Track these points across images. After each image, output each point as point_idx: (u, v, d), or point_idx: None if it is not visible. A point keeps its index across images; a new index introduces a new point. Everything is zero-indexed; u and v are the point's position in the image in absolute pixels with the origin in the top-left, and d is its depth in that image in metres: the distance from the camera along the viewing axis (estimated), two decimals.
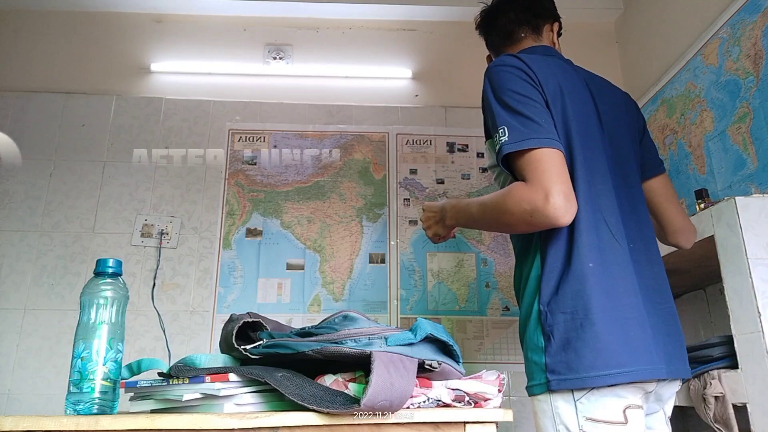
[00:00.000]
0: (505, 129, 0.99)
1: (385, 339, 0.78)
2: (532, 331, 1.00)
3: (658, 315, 1.02)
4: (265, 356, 0.82)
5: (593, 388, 0.93)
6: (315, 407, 0.71)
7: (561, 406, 0.94)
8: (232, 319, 0.87)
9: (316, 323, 0.85)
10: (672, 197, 1.23)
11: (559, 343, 0.95)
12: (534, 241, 1.04)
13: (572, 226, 0.98)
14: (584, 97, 1.11)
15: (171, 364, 0.82)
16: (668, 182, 1.24)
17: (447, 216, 1.18)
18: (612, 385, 0.93)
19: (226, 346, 0.85)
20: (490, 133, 1.09)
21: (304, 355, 0.77)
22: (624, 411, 0.94)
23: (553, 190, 0.93)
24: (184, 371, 0.78)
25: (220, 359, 0.83)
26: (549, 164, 0.95)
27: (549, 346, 0.96)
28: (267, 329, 0.87)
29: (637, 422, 0.94)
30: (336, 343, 0.78)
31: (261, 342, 0.83)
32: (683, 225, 1.21)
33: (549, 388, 0.94)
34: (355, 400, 0.73)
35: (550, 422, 0.96)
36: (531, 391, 0.99)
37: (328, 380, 0.79)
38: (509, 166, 1.01)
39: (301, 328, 0.85)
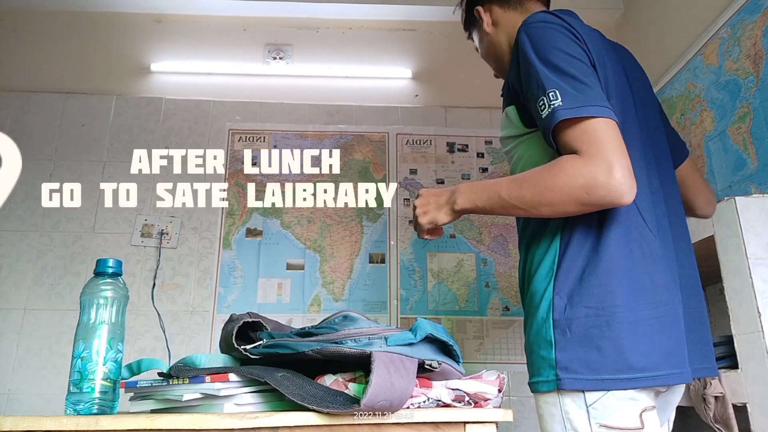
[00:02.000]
0: (557, 92, 0.85)
1: (385, 339, 0.78)
2: (541, 321, 0.90)
3: (694, 312, 0.94)
4: (265, 356, 0.82)
5: (608, 391, 0.84)
6: (315, 407, 0.71)
7: (571, 410, 0.86)
8: (232, 319, 0.87)
9: (316, 323, 0.85)
10: (699, 176, 1.18)
11: (578, 338, 0.85)
12: (552, 226, 0.93)
13: (602, 213, 0.87)
14: (619, 70, 1.00)
15: (171, 364, 0.82)
16: (693, 162, 1.18)
17: (458, 198, 0.98)
18: (637, 388, 0.84)
19: (226, 346, 0.85)
20: (522, 97, 0.94)
21: (304, 355, 0.77)
22: (640, 415, 0.85)
23: (616, 163, 0.80)
24: (184, 371, 0.78)
25: (220, 359, 0.83)
26: (610, 135, 0.83)
27: (562, 340, 0.86)
28: (267, 329, 0.87)
29: (653, 425, 0.86)
30: (336, 343, 0.78)
31: (261, 342, 0.83)
32: (710, 197, 1.18)
33: (558, 387, 0.85)
34: (355, 400, 0.73)
35: (560, 427, 0.87)
36: (536, 387, 0.90)
37: (328, 380, 0.79)
38: (554, 137, 0.87)
39: (301, 328, 0.85)
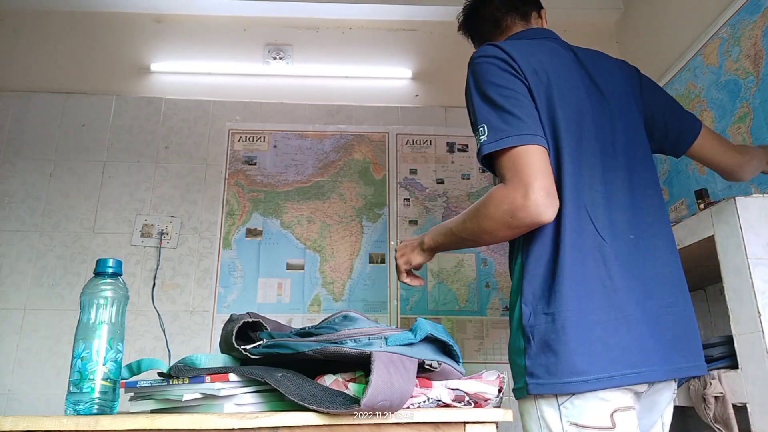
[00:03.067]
0: (485, 127, 0.95)
1: (385, 339, 0.78)
2: (515, 332, 0.96)
3: (659, 312, 0.95)
4: (265, 356, 0.82)
5: (574, 393, 0.89)
6: (315, 407, 0.71)
7: (545, 409, 0.92)
8: (232, 319, 0.87)
9: (316, 323, 0.85)
10: (722, 143, 1.24)
11: (539, 345, 0.91)
12: (519, 240, 1.00)
13: (556, 224, 0.94)
14: (575, 80, 1.05)
15: (171, 364, 0.82)
16: (711, 132, 1.23)
17: (425, 239, 1.13)
18: (594, 390, 0.89)
19: (226, 346, 0.85)
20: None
21: (304, 355, 0.77)
22: (611, 415, 0.88)
23: (533, 185, 0.89)
24: (183, 371, 0.78)
25: (219, 359, 0.83)
26: (528, 161, 0.91)
27: (529, 348, 0.92)
28: (267, 329, 0.87)
29: (626, 425, 0.89)
30: (336, 343, 0.78)
31: (261, 342, 0.83)
32: (740, 161, 1.24)
33: (527, 392, 0.91)
34: (355, 400, 0.73)
35: (536, 425, 0.93)
36: (516, 394, 0.96)
37: (328, 380, 0.79)
38: (490, 166, 0.98)
39: (301, 328, 0.85)
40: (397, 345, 0.78)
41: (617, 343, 0.90)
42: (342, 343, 0.78)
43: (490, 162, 0.97)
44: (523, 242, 0.99)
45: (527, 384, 0.91)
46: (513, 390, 0.97)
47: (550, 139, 0.97)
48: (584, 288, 0.91)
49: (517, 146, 0.92)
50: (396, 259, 1.18)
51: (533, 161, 0.91)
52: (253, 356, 0.82)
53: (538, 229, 0.94)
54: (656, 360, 0.92)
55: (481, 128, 0.96)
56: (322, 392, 0.75)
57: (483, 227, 0.96)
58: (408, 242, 1.18)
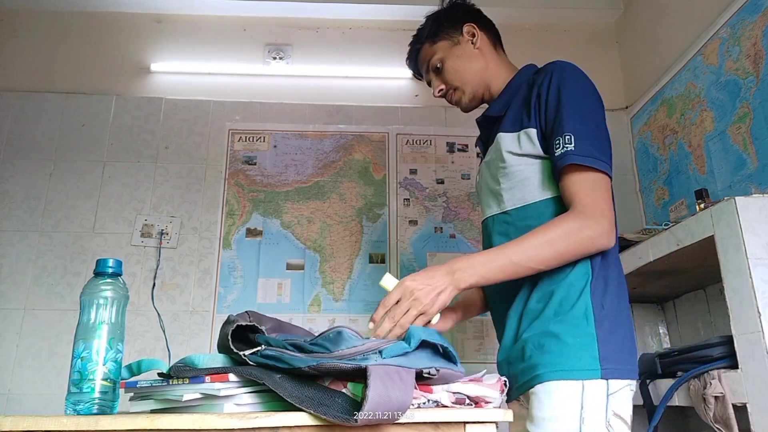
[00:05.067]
0: (572, 137, 1.01)
1: (380, 352, 0.77)
2: (579, 317, 1.00)
3: None
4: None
5: (624, 386, 0.98)
6: (312, 411, 0.70)
7: (593, 397, 0.96)
8: (229, 321, 0.86)
9: (310, 338, 0.82)
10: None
11: (614, 333, 1.00)
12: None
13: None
14: None
15: (171, 364, 0.82)
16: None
17: (462, 276, 0.94)
18: (633, 379, 1.00)
19: (223, 349, 0.85)
20: (544, 126, 1.08)
21: (300, 370, 0.76)
22: (632, 411, 1.00)
23: (611, 218, 1.00)
24: (183, 371, 0.78)
25: (219, 359, 0.83)
26: (609, 193, 1.01)
27: (601, 334, 0.99)
28: (264, 333, 0.87)
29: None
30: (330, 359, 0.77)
31: (258, 349, 0.82)
32: None
33: (603, 376, 0.96)
34: (354, 403, 0.73)
35: (572, 411, 0.95)
36: (572, 375, 0.96)
37: (327, 380, 0.79)
38: (552, 173, 1.06)
39: (293, 341, 0.83)
40: (392, 357, 0.77)
41: (634, 340, 1.06)
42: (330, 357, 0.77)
43: (556, 170, 1.04)
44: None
45: (603, 368, 0.96)
46: (555, 371, 0.97)
47: None
48: (625, 294, 1.07)
49: (606, 174, 1.01)
50: (417, 309, 0.92)
51: (610, 195, 1.02)
52: (251, 363, 0.81)
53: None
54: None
55: (568, 136, 1.01)
56: (320, 394, 0.74)
57: (560, 253, 0.99)
58: (426, 283, 0.92)
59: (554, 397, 0.96)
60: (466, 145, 2.37)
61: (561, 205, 1.06)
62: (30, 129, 2.26)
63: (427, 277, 0.94)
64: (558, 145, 1.01)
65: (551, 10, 2.48)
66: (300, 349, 0.80)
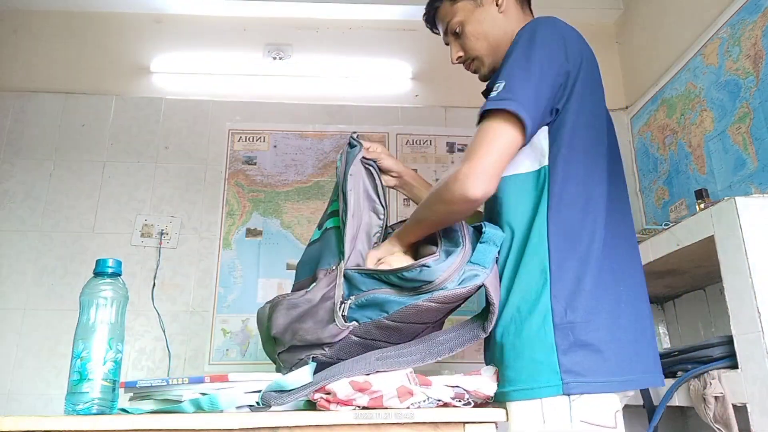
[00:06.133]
0: (500, 84, 0.93)
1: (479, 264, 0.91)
2: (538, 326, 0.90)
3: (647, 317, 0.99)
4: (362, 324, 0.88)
5: (594, 398, 0.88)
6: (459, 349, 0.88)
7: (551, 409, 0.88)
8: (290, 306, 0.92)
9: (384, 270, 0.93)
10: None
11: (580, 342, 0.88)
12: (538, 227, 0.96)
13: (591, 224, 0.94)
14: (600, 83, 1.08)
15: (261, 391, 0.79)
16: None
17: (394, 242, 1.05)
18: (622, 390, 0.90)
19: (291, 338, 0.88)
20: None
21: (416, 306, 0.84)
22: (615, 414, 0.90)
23: (479, 163, 0.89)
24: (276, 398, 0.77)
25: (305, 373, 0.82)
26: (492, 135, 0.90)
27: (563, 344, 0.88)
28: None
29: (622, 426, 0.91)
30: (441, 289, 0.86)
31: (352, 300, 0.87)
32: None
33: (565, 392, 0.86)
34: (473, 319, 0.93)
35: (534, 428, 0.88)
36: (530, 394, 0.89)
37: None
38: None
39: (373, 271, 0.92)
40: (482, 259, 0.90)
41: (642, 347, 0.93)
42: (445, 288, 0.85)
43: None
44: (548, 231, 0.95)
45: (565, 382, 0.86)
46: (516, 390, 0.90)
47: (573, 139, 0.97)
48: (622, 288, 0.94)
49: (509, 112, 0.90)
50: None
51: (495, 136, 0.90)
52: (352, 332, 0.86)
53: (568, 223, 0.94)
54: (658, 366, 0.96)
55: (498, 84, 0.94)
56: (453, 334, 0.90)
57: (426, 203, 0.98)
58: (377, 253, 1.06)
59: (515, 417, 0.90)
60: (466, 145, 2.37)
61: (525, 183, 0.99)
62: (30, 129, 2.26)
63: (379, 250, 1.06)
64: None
65: (551, 10, 2.47)
66: (389, 284, 0.89)
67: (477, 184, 0.88)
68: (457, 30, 1.16)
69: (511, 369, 0.92)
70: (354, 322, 0.89)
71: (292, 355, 0.93)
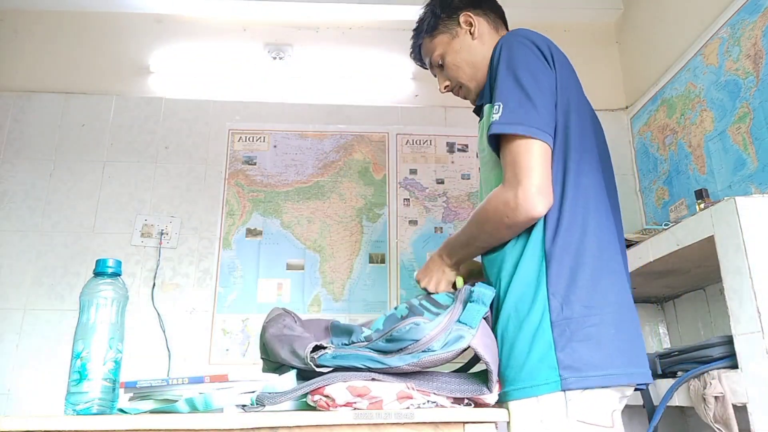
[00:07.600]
0: (500, 106, 0.96)
1: (466, 323, 0.88)
2: (536, 324, 0.91)
3: (635, 314, 1.00)
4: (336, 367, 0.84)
5: (586, 389, 0.88)
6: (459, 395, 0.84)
7: (548, 408, 0.88)
8: (284, 328, 0.90)
9: (379, 332, 0.89)
10: None
11: (577, 337, 0.89)
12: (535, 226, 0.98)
13: (583, 220, 0.96)
14: (580, 88, 1.10)
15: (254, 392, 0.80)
16: None
17: (444, 257, 1.12)
18: (605, 387, 0.89)
19: (289, 356, 0.87)
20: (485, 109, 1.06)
21: (398, 369, 0.83)
22: (611, 414, 0.91)
23: (532, 182, 0.92)
24: (268, 397, 0.77)
25: (291, 377, 0.82)
26: (529, 155, 0.93)
27: (561, 340, 0.89)
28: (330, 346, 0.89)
29: (620, 426, 0.92)
30: (426, 351, 0.83)
31: (328, 351, 0.85)
32: None
33: (563, 387, 0.87)
34: (480, 378, 0.88)
35: (533, 428, 0.88)
36: (529, 392, 0.89)
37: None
38: (497, 148, 0.99)
39: (365, 337, 0.89)
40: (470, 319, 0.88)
41: (634, 341, 0.95)
42: (431, 350, 0.83)
43: (498, 143, 0.99)
44: (544, 228, 0.97)
45: (563, 378, 0.87)
46: (516, 390, 0.91)
47: (563, 138, 0.99)
48: (614, 283, 0.96)
49: (530, 137, 0.94)
50: (425, 288, 1.15)
51: (532, 156, 0.93)
52: (318, 368, 0.81)
53: (565, 221, 0.96)
54: (645, 362, 0.96)
55: (496, 106, 0.97)
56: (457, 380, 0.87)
57: (485, 230, 0.99)
58: (426, 270, 1.15)
59: (515, 417, 0.91)
60: (466, 145, 2.37)
61: None
62: (30, 129, 2.26)
63: (428, 266, 1.15)
64: (491, 118, 0.98)
65: (551, 10, 2.48)
66: (379, 350, 0.85)
67: (537, 202, 0.92)
68: (440, 62, 1.23)
69: (510, 369, 0.93)
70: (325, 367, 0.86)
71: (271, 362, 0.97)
